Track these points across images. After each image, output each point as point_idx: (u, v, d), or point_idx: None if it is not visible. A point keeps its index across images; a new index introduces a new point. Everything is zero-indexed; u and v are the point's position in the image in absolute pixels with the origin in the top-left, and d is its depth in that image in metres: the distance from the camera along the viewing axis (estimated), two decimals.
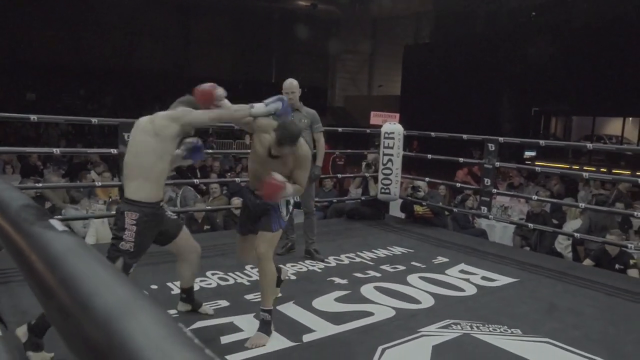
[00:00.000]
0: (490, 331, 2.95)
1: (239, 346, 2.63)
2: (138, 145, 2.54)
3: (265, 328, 2.72)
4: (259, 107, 2.76)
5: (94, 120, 4.47)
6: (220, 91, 2.66)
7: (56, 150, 4.89)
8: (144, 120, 2.60)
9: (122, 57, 19.53)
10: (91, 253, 0.37)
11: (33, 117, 4.04)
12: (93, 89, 18.36)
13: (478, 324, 3.03)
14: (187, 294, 3.02)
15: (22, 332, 2.41)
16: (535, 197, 5.85)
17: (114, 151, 4.39)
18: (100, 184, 5.28)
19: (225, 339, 2.71)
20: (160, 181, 2.57)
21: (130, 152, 2.57)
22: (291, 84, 4.16)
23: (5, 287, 3.21)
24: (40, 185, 5.07)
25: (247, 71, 22.08)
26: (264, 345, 2.64)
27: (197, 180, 6.08)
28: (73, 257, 0.36)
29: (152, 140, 2.49)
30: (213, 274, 3.72)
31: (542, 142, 6.60)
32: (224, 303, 3.21)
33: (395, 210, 6.87)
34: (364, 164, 6.45)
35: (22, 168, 8.24)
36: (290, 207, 2.99)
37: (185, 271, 2.93)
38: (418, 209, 5.85)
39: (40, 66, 17.42)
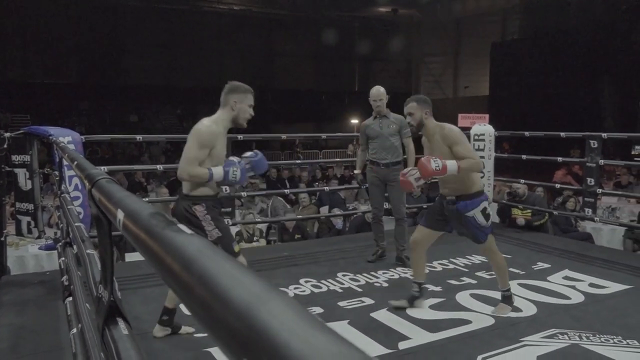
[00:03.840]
0: (602, 342, 2.73)
1: None
2: None
3: (507, 301, 3.16)
4: (218, 174, 2.61)
5: None
6: None
7: (159, 167, 5.27)
8: None
9: (213, 76, 20.69)
10: (220, 253, 0.41)
11: (139, 137, 4.40)
12: (188, 108, 19.62)
13: (588, 334, 2.82)
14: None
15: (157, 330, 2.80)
16: None
17: None
18: None
19: None
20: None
21: None
22: (378, 91, 4.17)
23: (121, 294, 3.50)
24: (155, 198, 5.48)
25: (330, 82, 22.42)
26: (507, 315, 3.09)
27: (288, 190, 6.25)
28: (205, 257, 0.40)
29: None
30: (306, 282, 3.80)
31: None
32: (317, 310, 3.26)
33: None
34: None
35: (129, 184, 8.98)
36: (489, 212, 3.07)
37: None
38: (517, 212, 5.56)
39: (140, 89, 18.91)
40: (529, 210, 5.47)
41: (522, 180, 5.69)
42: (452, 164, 2.89)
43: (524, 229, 5.44)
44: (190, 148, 2.59)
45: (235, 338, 0.30)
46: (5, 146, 3.81)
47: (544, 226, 5.50)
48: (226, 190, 4.62)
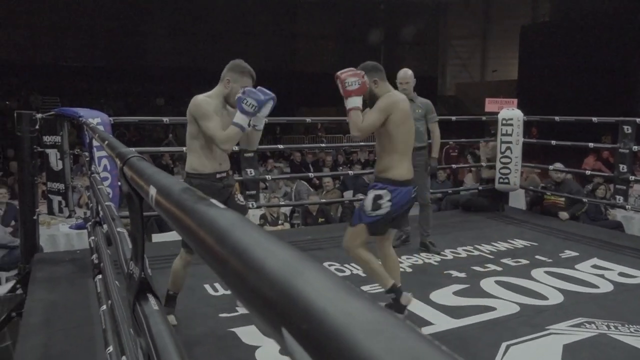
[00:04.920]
0: (631, 332, 2.68)
1: None
2: None
3: (394, 308, 2.71)
4: (242, 120, 2.51)
5: None
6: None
7: (186, 150, 5.31)
8: None
9: (237, 57, 20.71)
10: (253, 226, 0.41)
11: (165, 120, 4.44)
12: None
13: (616, 324, 2.77)
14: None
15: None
16: None
17: (236, 147, 4.66)
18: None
19: None
20: (200, 154, 2.67)
21: None
22: (405, 74, 4.11)
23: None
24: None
25: (354, 65, 22.14)
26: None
27: (312, 174, 6.25)
28: (238, 230, 0.41)
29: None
30: (330, 265, 3.82)
31: None
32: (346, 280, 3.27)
33: (515, 201, 6.50)
34: None
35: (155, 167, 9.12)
36: (382, 205, 2.64)
37: None
38: (550, 197, 5.43)
39: (165, 72, 19.07)
40: (562, 197, 5.33)
41: (552, 166, 5.55)
42: (355, 100, 2.59)
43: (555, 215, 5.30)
44: (204, 124, 2.56)
45: (272, 308, 0.30)
46: (37, 127, 3.90)
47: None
48: (251, 173, 4.64)
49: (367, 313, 0.25)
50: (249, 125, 2.57)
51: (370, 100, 2.73)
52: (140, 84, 18.80)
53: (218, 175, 2.73)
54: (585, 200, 5.38)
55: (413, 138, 2.79)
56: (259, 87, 2.59)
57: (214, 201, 0.51)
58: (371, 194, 2.68)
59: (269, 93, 2.54)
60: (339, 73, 2.62)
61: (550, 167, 5.54)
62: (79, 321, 2.82)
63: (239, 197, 2.97)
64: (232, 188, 2.84)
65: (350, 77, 2.56)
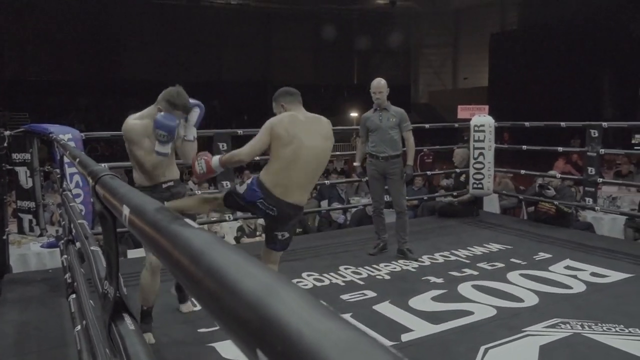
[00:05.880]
0: (604, 331, 2.75)
1: None
2: None
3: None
4: (162, 148, 2.61)
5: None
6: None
7: None
8: None
9: (211, 69, 20.63)
10: (228, 246, 0.41)
11: None
12: None
13: (590, 323, 2.83)
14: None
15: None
16: None
17: None
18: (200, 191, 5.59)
19: None
20: (143, 169, 2.72)
21: None
22: (379, 83, 4.16)
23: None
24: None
25: (329, 75, 22.36)
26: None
27: None
28: (212, 250, 0.41)
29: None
30: (308, 275, 3.81)
31: None
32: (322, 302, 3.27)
33: (489, 206, 6.61)
34: None
35: (129, 181, 8.97)
36: (246, 186, 2.65)
37: None
38: (545, 204, 5.38)
39: (139, 85, 18.85)
40: (555, 204, 5.32)
41: (558, 174, 5.60)
42: (215, 160, 2.62)
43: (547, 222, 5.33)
44: (133, 149, 2.65)
45: (247, 329, 0.30)
46: (5, 144, 3.81)
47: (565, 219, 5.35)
48: (227, 185, 4.61)
49: (341, 332, 0.26)
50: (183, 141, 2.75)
51: None
52: (112, 97, 18.54)
53: (164, 185, 2.78)
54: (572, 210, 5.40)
55: (307, 162, 2.58)
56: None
57: (188, 221, 0.51)
58: (245, 184, 2.69)
59: (194, 107, 2.68)
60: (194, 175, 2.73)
61: (558, 174, 5.56)
62: (52, 342, 2.74)
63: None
64: (181, 195, 2.87)
65: (196, 165, 2.65)
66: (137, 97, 18.74)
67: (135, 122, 2.66)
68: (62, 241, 3.33)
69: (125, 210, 0.69)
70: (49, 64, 18.41)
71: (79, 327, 1.99)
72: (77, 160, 1.48)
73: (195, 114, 2.69)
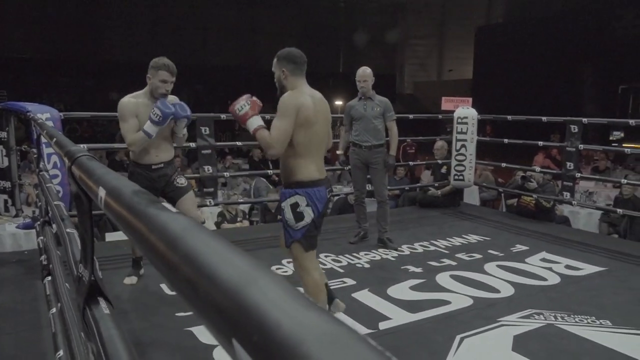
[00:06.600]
0: (576, 322, 2.81)
1: None
2: None
3: None
4: (150, 129, 2.84)
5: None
6: None
7: None
8: None
9: (195, 53, 20.32)
10: (206, 231, 0.40)
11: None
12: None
13: (563, 314, 2.89)
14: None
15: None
16: (624, 180, 5.47)
17: (192, 145, 4.58)
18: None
19: None
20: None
21: None
22: (364, 72, 4.15)
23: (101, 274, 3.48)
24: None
25: (314, 62, 22.17)
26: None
27: (271, 171, 6.22)
28: (191, 235, 0.39)
29: None
30: (288, 262, 3.81)
31: (631, 121, 6.14)
32: (300, 290, 3.28)
33: (469, 198, 6.69)
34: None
35: (110, 163, 8.84)
36: (302, 212, 2.40)
37: None
38: (526, 198, 5.37)
39: (121, 66, 18.48)
40: (534, 197, 5.35)
41: (538, 168, 5.66)
42: (253, 121, 2.38)
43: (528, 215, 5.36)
44: (121, 125, 2.90)
45: (223, 318, 0.29)
46: None
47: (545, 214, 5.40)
48: (209, 170, 4.58)
49: (321, 324, 0.25)
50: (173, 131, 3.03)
51: (280, 92, 2.49)
52: (93, 77, 18.16)
53: (154, 167, 3.02)
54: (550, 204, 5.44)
55: (321, 140, 2.50)
56: (179, 103, 2.93)
57: (166, 204, 0.49)
58: (286, 205, 2.41)
59: (182, 113, 2.89)
60: (230, 107, 2.46)
61: (537, 168, 5.64)
62: (27, 324, 2.70)
63: (179, 180, 3.13)
64: (168, 176, 3.07)
65: (237, 104, 2.42)
66: (118, 78, 18.43)
67: (130, 100, 2.90)
68: (39, 222, 3.27)
69: (102, 193, 0.67)
70: (29, 41, 17.92)
71: (54, 309, 1.97)
72: (54, 140, 1.44)
73: (184, 122, 2.98)
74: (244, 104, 2.41)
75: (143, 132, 2.81)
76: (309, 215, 2.38)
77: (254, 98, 2.45)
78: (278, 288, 0.29)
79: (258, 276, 0.30)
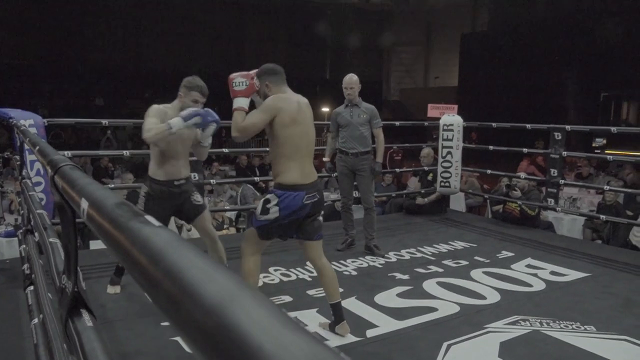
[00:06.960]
0: (561, 328, 2.83)
1: None
2: None
3: None
4: (176, 122, 2.73)
5: None
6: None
7: (126, 153, 5.14)
8: None
9: (182, 59, 20.24)
10: (189, 246, 0.40)
11: (105, 122, 4.27)
12: (156, 92, 19.13)
13: (548, 320, 2.92)
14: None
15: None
16: (607, 187, 5.55)
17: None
18: None
19: None
20: (159, 161, 2.96)
21: None
22: (351, 79, 4.16)
23: (85, 283, 3.43)
24: (121, 185, 5.33)
25: (301, 68, 22.26)
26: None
27: (258, 178, 6.20)
28: (173, 250, 0.39)
29: None
30: (275, 270, 3.80)
31: (613, 129, 6.24)
32: (287, 298, 3.26)
33: (455, 204, 6.73)
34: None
35: (94, 170, 8.74)
36: (270, 210, 2.54)
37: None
38: (511, 204, 5.39)
39: (106, 72, 18.32)
40: (518, 204, 5.38)
41: (523, 175, 5.71)
42: (240, 100, 2.57)
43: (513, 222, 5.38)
44: (145, 121, 2.84)
45: (204, 337, 0.29)
46: None
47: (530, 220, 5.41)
48: (195, 178, 4.55)
49: (304, 346, 0.25)
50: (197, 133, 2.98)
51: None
52: (78, 83, 17.98)
53: (176, 182, 3.00)
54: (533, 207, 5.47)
55: (309, 142, 2.64)
56: (205, 110, 2.90)
57: (149, 218, 0.49)
58: (262, 198, 2.67)
59: (210, 118, 2.87)
60: (231, 75, 2.63)
61: (522, 175, 5.68)
62: (8, 335, 2.65)
63: (196, 198, 3.13)
64: (188, 193, 3.07)
65: (238, 78, 2.59)
66: (103, 84, 18.29)
67: (161, 107, 2.93)
68: (21, 231, 3.22)
69: (84, 204, 0.66)
70: (12, 47, 17.71)
71: (35, 320, 1.93)
72: (37, 148, 1.42)
73: (212, 128, 2.93)
74: (243, 81, 2.58)
75: (166, 124, 2.72)
76: (273, 213, 2.54)
77: (254, 80, 2.61)
78: (261, 308, 0.28)
79: (241, 295, 0.30)
